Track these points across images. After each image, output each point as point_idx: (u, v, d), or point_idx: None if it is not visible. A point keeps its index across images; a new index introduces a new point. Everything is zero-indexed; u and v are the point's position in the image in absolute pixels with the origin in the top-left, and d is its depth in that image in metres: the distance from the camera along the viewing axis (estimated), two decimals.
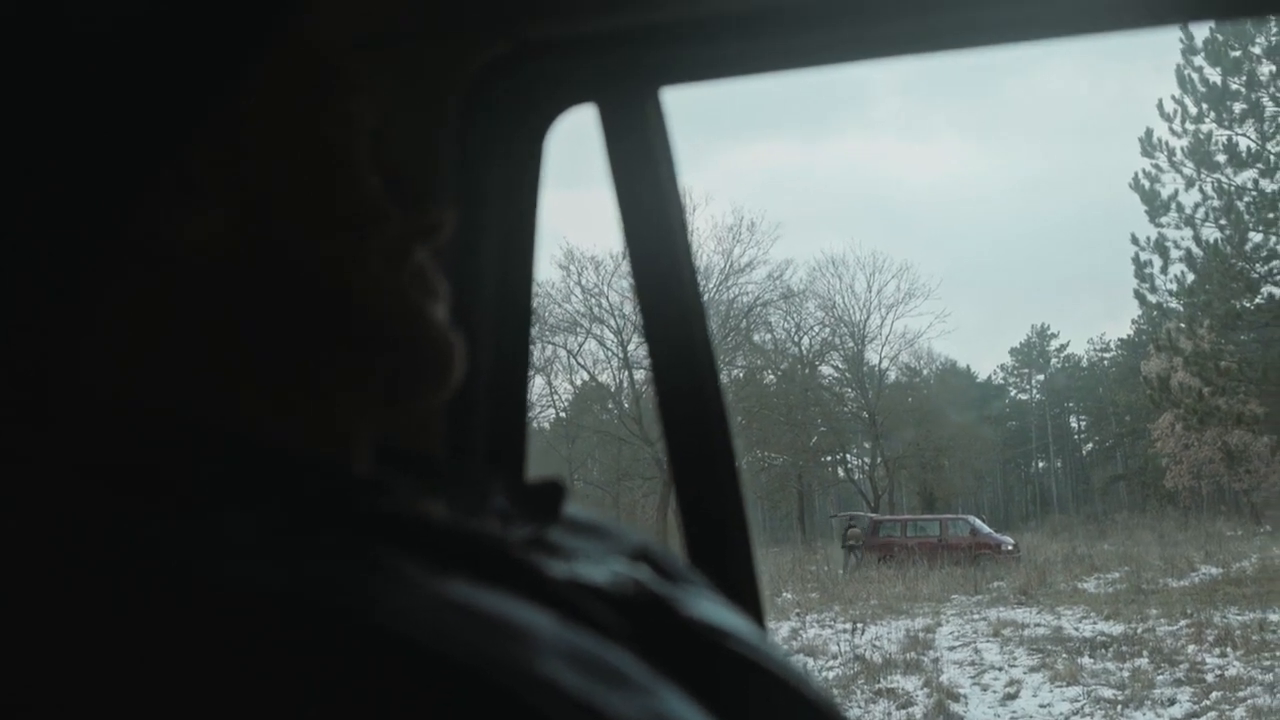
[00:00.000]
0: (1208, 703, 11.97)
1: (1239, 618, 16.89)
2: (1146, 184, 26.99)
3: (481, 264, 1.50)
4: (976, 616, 19.26)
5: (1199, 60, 27.08)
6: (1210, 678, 13.10)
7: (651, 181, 1.52)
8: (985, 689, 13.42)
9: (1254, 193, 26.60)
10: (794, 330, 47.56)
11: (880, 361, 50.77)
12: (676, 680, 0.65)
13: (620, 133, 1.52)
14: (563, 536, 0.82)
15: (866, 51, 1.50)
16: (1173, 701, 12.14)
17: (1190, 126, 27.09)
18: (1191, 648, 14.97)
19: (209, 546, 0.58)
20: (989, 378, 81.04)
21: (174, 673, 0.50)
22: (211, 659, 0.51)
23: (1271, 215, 26.39)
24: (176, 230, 0.66)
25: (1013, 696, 12.95)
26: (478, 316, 1.48)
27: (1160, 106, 27.45)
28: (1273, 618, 16.67)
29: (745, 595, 1.47)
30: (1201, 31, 26.85)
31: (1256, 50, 26.65)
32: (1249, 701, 11.76)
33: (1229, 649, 14.64)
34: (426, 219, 0.78)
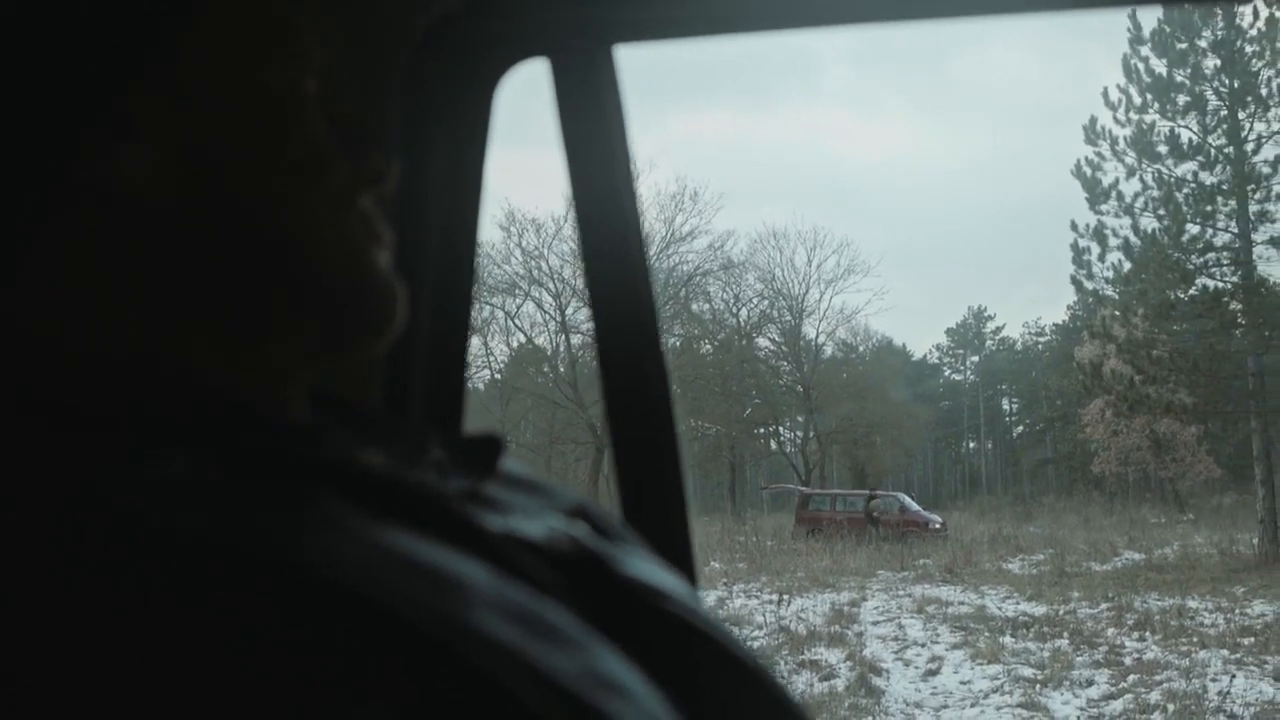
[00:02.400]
0: (1125, 685, 12.16)
1: (1159, 603, 17.18)
2: (1088, 171, 27.21)
3: (427, 216, 1.48)
4: (901, 593, 19.49)
5: (1145, 50, 27.32)
6: (1128, 660, 13.32)
7: (601, 139, 1.51)
8: (907, 664, 13.57)
9: (1193, 185, 26.89)
10: (732, 301, 47.88)
11: (817, 336, 51.27)
12: (610, 638, 0.65)
13: (571, 89, 1.51)
14: (499, 491, 0.82)
15: (824, 17, 1.49)
16: (1091, 683, 12.33)
17: (1134, 116, 27.33)
18: (1111, 631, 15.22)
19: (147, 491, 0.57)
20: (924, 357, 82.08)
21: (111, 619, 0.50)
22: (149, 605, 0.51)
23: (1209, 208, 26.71)
24: (115, 168, 0.65)
25: (934, 673, 13.11)
26: (421, 269, 1.47)
27: (1105, 95, 27.69)
28: (1191, 604, 16.98)
29: (679, 558, 1.47)
30: (1149, 22, 27.09)
31: (1202, 44, 26.91)
32: (1165, 685, 11.96)
33: (1148, 633, 14.90)
34: (373, 166, 0.77)
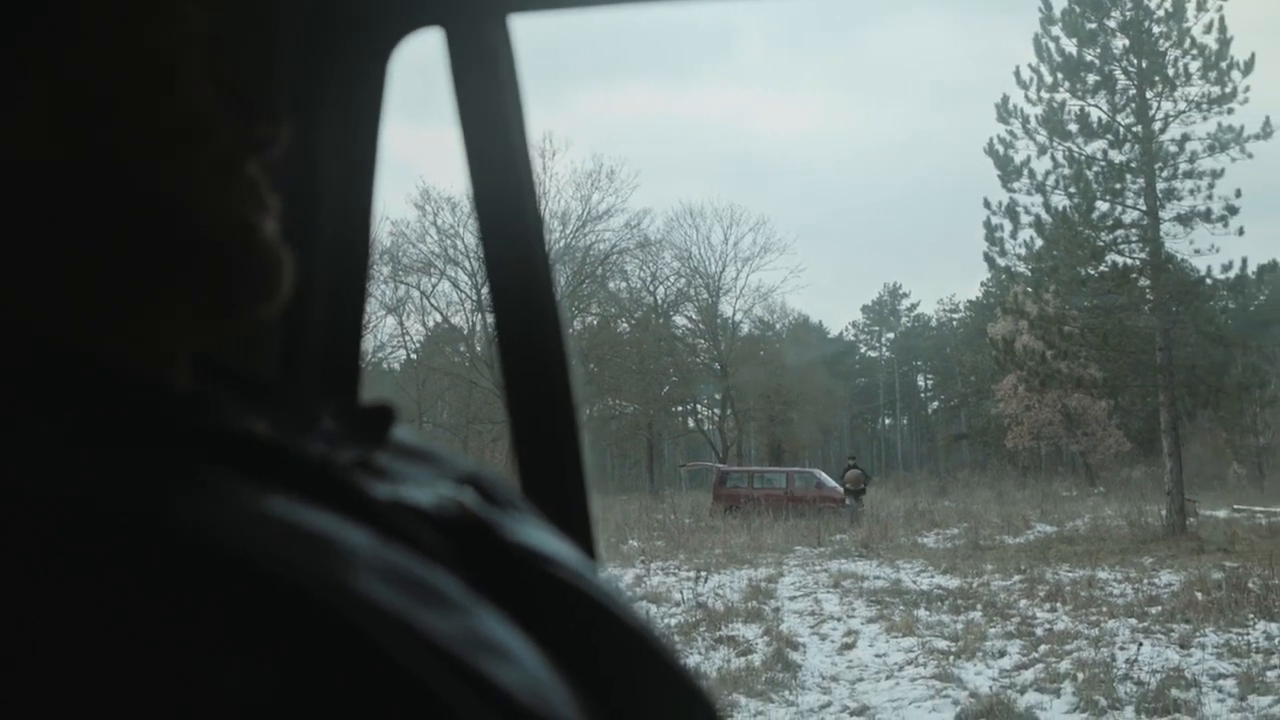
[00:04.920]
0: (1036, 655, 12.36)
1: (1070, 574, 17.50)
2: (1001, 149, 27.54)
3: (319, 186, 1.46)
4: (818, 568, 19.68)
5: (1056, 30, 27.66)
6: (1040, 631, 13.54)
7: (497, 112, 1.49)
8: (824, 638, 13.71)
9: (1103, 163, 27.30)
10: (649, 279, 48.08)
11: (734, 314, 51.62)
12: (498, 603, 0.65)
13: (465, 60, 1.49)
14: (390, 460, 0.81)
15: None
16: (1003, 653, 12.51)
17: (1045, 95, 27.70)
18: (1024, 602, 15.47)
19: (8, 453, 0.56)
20: (840, 334, 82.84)
21: None
22: (10, 568, 0.49)
23: (1118, 186, 27.13)
24: None
25: (850, 646, 13.25)
26: (314, 240, 1.45)
27: (1018, 74, 28.02)
28: (1101, 575, 17.30)
29: (579, 532, 1.47)
30: (1060, 2, 27.41)
31: (1111, 24, 27.28)
32: (1075, 654, 12.17)
33: (1059, 604, 15.16)
34: (259, 132, 0.75)
